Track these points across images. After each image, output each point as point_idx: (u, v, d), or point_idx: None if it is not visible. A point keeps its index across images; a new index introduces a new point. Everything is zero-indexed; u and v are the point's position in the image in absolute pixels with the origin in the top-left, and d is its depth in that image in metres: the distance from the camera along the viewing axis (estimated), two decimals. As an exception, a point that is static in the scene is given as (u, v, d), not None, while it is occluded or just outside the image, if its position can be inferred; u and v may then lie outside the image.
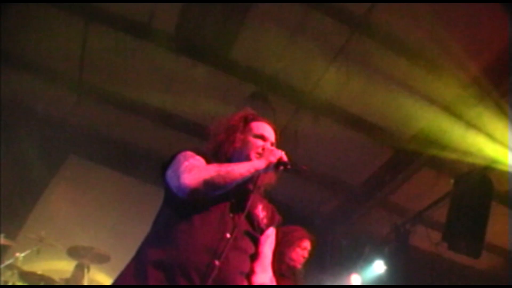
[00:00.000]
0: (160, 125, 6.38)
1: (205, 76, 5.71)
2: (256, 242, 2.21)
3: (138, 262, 2.00)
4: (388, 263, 6.73)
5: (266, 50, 5.41)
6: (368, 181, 6.94)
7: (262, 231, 2.27)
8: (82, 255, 5.17)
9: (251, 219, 2.18)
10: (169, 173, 2.12)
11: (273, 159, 2.13)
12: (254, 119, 2.42)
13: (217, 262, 1.92)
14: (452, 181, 5.97)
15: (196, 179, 1.98)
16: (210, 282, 1.87)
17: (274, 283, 2.34)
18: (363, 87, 5.58)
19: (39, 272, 4.89)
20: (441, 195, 6.23)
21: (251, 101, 5.67)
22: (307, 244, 3.91)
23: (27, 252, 4.92)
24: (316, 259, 7.24)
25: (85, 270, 5.08)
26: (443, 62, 5.06)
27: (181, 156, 2.15)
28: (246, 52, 5.47)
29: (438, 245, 6.09)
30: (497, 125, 5.26)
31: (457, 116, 5.41)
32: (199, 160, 2.13)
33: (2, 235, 4.78)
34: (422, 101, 5.53)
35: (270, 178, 2.29)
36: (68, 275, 5.24)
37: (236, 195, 2.15)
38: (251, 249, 2.18)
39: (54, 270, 5.44)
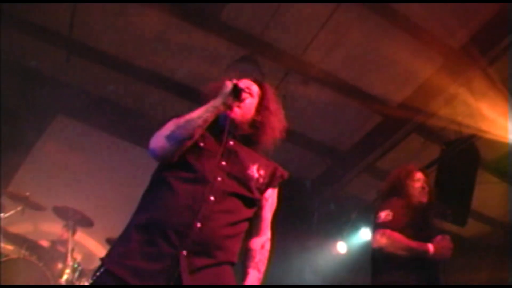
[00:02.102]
0: (151, 86, 6.31)
1: (196, 38, 5.61)
2: (250, 204, 2.15)
3: (126, 226, 2.03)
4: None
5: (257, 13, 5.31)
6: (356, 147, 6.94)
7: (261, 192, 2.22)
8: (68, 216, 5.17)
9: (243, 180, 2.12)
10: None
11: (227, 89, 2.14)
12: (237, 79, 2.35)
13: (198, 224, 1.90)
14: (439, 148, 5.97)
15: (158, 140, 2.02)
16: (189, 243, 1.87)
17: (266, 246, 2.25)
18: (352, 52, 5.54)
19: (23, 234, 4.93)
20: (428, 162, 6.24)
21: (241, 64, 5.63)
22: (419, 175, 3.59)
23: (12, 212, 4.90)
24: (302, 224, 7.38)
25: (70, 232, 5.09)
26: (432, 29, 5.02)
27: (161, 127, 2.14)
28: (237, 15, 5.37)
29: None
30: (485, 93, 5.25)
31: (445, 83, 5.38)
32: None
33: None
34: (410, 68, 5.50)
35: (243, 118, 2.25)
36: (53, 237, 5.27)
37: (219, 150, 2.12)
38: (243, 212, 2.11)
39: (39, 232, 5.47)
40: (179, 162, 2.04)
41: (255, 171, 2.17)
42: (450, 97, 5.53)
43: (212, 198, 1.97)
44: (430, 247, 3.16)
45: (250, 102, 2.28)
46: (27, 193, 5.05)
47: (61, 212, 5.20)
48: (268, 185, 2.25)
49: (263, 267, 2.19)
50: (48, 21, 5.69)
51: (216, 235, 1.95)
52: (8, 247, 5.00)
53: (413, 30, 5.05)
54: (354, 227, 7.10)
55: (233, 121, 2.21)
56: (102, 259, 1.95)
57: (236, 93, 2.16)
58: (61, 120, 6.42)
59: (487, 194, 6.42)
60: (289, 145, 6.94)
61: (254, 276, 2.14)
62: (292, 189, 7.35)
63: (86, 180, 6.12)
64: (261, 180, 2.19)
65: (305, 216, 7.41)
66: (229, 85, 2.16)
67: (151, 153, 2.04)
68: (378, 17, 5.04)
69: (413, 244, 3.16)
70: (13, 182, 5.79)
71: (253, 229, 2.24)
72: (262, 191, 2.22)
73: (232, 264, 2.05)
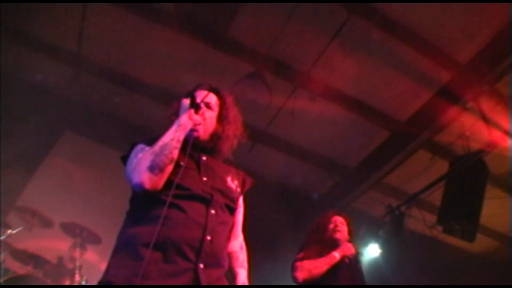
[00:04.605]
0: (158, 103, 6.34)
1: (203, 54, 5.67)
2: (232, 212, 2.28)
3: (127, 244, 1.98)
4: (383, 245, 6.74)
5: (264, 29, 5.37)
6: (363, 163, 6.94)
7: (237, 201, 2.35)
8: (76, 233, 5.15)
9: (226, 192, 2.22)
10: (125, 172, 2.14)
11: (186, 105, 2.20)
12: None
13: (208, 237, 2.00)
14: (447, 164, 5.95)
15: (141, 173, 2.00)
16: (203, 256, 1.95)
17: (244, 247, 2.44)
18: (360, 68, 5.57)
19: (30, 251, 4.90)
20: (436, 178, 6.23)
21: (248, 81, 5.66)
22: (334, 218, 3.91)
23: (19, 229, 4.85)
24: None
25: (78, 248, 5.07)
26: (439, 44, 5.05)
27: (132, 153, 2.17)
28: (244, 31, 5.43)
29: (433, 228, 6.12)
30: (492, 108, 5.25)
31: (453, 99, 5.39)
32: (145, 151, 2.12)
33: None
34: (418, 83, 5.52)
35: (206, 132, 2.30)
36: (61, 253, 5.23)
37: (194, 166, 2.20)
38: (230, 221, 2.27)
39: (47, 248, 5.43)
40: (166, 182, 2.04)
41: (231, 183, 2.30)
42: (458, 112, 5.53)
43: (213, 211, 2.08)
44: (335, 253, 3.55)
45: (210, 116, 2.33)
46: (35, 209, 5.05)
47: (68, 229, 5.19)
48: (241, 193, 2.41)
49: (246, 264, 2.40)
50: (56, 38, 5.76)
51: (221, 246, 2.10)
52: (16, 264, 4.98)
53: (421, 46, 5.07)
54: (362, 243, 7.06)
55: (198, 136, 2.26)
56: (108, 280, 1.90)
57: (196, 106, 2.22)
58: (69, 136, 6.45)
59: (496, 209, 6.39)
60: (297, 161, 6.96)
61: (243, 273, 2.34)
62: (301, 204, 7.37)
63: (94, 196, 6.10)
64: (237, 189, 2.33)
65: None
66: (186, 101, 2.22)
67: (138, 188, 2.00)
68: (381, 32, 5.08)
69: (321, 259, 3.52)
70: (21, 198, 5.79)
71: (230, 235, 2.35)
72: (238, 199, 2.36)
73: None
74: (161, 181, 2.00)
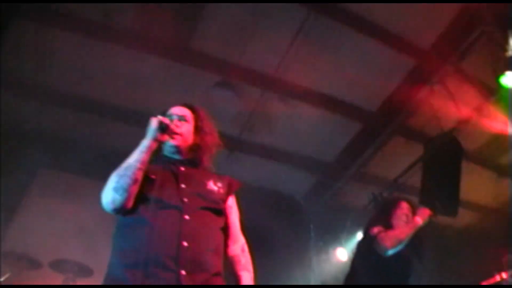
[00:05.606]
0: (128, 124, 6.24)
1: (167, 69, 5.59)
2: (219, 213, 2.28)
3: (112, 266, 2.06)
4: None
5: (226, 37, 5.33)
6: (341, 156, 6.99)
7: (223, 201, 2.36)
8: (66, 269, 5.07)
9: (206, 195, 2.26)
10: None
11: (153, 126, 2.24)
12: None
13: (185, 243, 2.00)
14: (422, 146, 6.07)
15: (107, 194, 2.09)
16: (183, 262, 1.95)
17: (246, 249, 2.41)
18: (326, 65, 5.58)
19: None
20: (413, 161, 6.35)
21: (216, 90, 5.64)
22: (403, 205, 4.00)
23: (7, 275, 4.72)
24: (300, 237, 7.38)
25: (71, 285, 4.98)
26: (402, 32, 5.15)
27: None
28: (206, 41, 5.38)
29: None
30: (459, 87, 5.38)
31: (420, 83, 5.50)
32: None
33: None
34: (385, 72, 5.60)
35: (186, 144, 2.40)
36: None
37: (172, 177, 2.25)
38: (215, 223, 2.24)
39: (39, 290, 5.29)
40: (140, 198, 2.12)
41: (213, 185, 2.34)
42: (427, 95, 5.65)
43: (187, 217, 2.08)
44: (417, 218, 3.69)
45: (187, 129, 2.44)
46: (21, 252, 4.93)
47: (58, 266, 5.09)
48: (228, 193, 2.42)
49: (251, 267, 2.37)
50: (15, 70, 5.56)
51: (202, 250, 2.07)
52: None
53: (384, 36, 5.16)
54: (350, 233, 7.15)
55: (177, 148, 2.37)
56: None
57: (163, 127, 2.25)
58: (43, 174, 6.26)
59: (473, 183, 6.53)
60: (275, 164, 6.97)
61: (247, 276, 2.31)
62: (285, 206, 7.39)
63: (78, 228, 5.95)
64: (221, 190, 2.35)
65: (302, 229, 7.43)
66: (154, 122, 2.25)
67: (106, 208, 2.09)
68: (344, 27, 5.12)
69: (406, 225, 3.72)
70: (4, 244, 5.60)
71: (228, 239, 2.38)
72: (224, 200, 2.36)
73: (222, 274, 2.15)
74: (127, 201, 2.07)
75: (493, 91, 5.32)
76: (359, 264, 3.85)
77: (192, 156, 2.41)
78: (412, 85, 5.57)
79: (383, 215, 3.98)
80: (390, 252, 3.54)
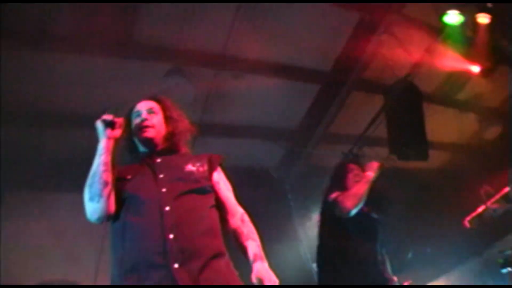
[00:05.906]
0: (87, 129, 6.07)
1: (114, 67, 5.46)
2: (204, 192, 2.25)
3: (112, 279, 2.04)
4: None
5: (168, 24, 5.22)
6: (304, 121, 7.01)
7: (207, 179, 2.32)
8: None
9: (185, 177, 2.23)
10: None
11: (100, 127, 2.23)
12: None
13: (170, 235, 1.96)
14: (382, 97, 6.11)
15: (88, 206, 2.11)
16: (173, 254, 1.91)
17: (246, 219, 2.35)
18: (272, 34, 5.53)
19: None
20: (375, 113, 6.39)
21: (169, 79, 5.55)
22: (351, 166, 4.08)
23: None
24: (281, 210, 7.42)
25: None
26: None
27: None
28: (149, 31, 5.25)
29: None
30: (406, 33, 5.40)
31: (368, 34, 5.50)
32: None
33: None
34: (332, 31, 5.59)
35: (159, 134, 2.43)
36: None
37: (149, 170, 2.26)
38: (205, 202, 2.22)
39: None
40: (121, 202, 2.14)
41: (191, 167, 2.30)
42: (376, 46, 5.66)
43: (167, 208, 2.05)
44: (368, 173, 3.79)
45: (158, 120, 2.46)
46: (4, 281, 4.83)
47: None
48: (210, 169, 2.37)
49: (255, 236, 2.28)
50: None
51: (192, 236, 2.02)
52: None
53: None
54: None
55: (152, 140, 2.39)
56: None
57: (108, 123, 2.23)
58: (10, 197, 6.04)
59: (438, 123, 6.62)
60: (242, 141, 6.94)
61: (253, 245, 2.21)
62: (261, 181, 7.40)
63: (57, 242, 5.85)
64: (200, 169, 2.31)
65: (282, 201, 7.48)
66: (98, 123, 2.24)
67: (92, 221, 2.12)
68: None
69: (358, 183, 3.74)
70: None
71: (224, 214, 2.33)
72: (207, 178, 2.32)
73: (223, 254, 2.10)
74: (107, 206, 2.08)
75: (438, 31, 5.36)
76: (326, 234, 3.86)
77: (168, 145, 2.43)
78: (361, 38, 5.57)
79: (336, 182, 4.00)
80: (353, 211, 3.56)
